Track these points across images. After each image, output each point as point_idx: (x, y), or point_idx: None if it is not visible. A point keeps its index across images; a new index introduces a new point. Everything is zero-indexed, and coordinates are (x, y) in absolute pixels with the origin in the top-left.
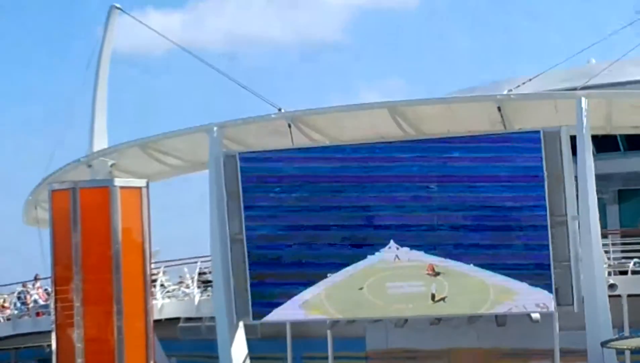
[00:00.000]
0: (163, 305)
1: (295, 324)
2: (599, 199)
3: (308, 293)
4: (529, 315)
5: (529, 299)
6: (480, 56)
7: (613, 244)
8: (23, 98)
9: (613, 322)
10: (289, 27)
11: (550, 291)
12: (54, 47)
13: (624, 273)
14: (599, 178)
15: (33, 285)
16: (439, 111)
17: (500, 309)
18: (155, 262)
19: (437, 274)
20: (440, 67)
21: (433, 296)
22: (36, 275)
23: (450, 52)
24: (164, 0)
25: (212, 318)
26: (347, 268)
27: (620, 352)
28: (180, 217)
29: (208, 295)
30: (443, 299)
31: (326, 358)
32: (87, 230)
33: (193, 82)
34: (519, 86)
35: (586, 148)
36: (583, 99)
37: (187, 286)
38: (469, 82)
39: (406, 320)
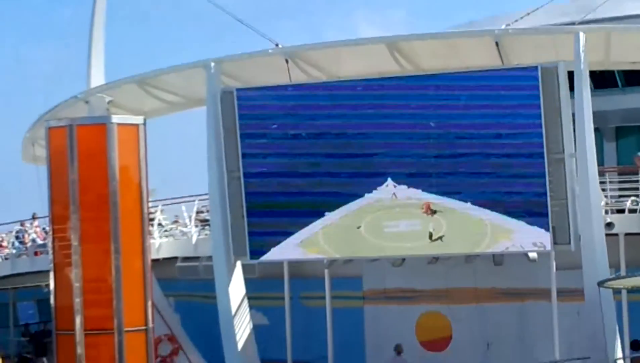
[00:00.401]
0: (161, 244)
1: (292, 264)
2: (596, 136)
3: (305, 232)
4: (526, 254)
5: (526, 238)
6: None
7: (610, 182)
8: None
9: (610, 261)
10: None
11: (547, 230)
12: None
13: (622, 211)
14: (597, 114)
15: (31, 223)
16: (437, 46)
17: (497, 248)
18: (153, 201)
19: (434, 212)
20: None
21: (430, 235)
22: (34, 213)
23: None
24: None
25: (210, 258)
26: (345, 207)
27: (617, 292)
28: (177, 155)
29: (206, 235)
30: (440, 238)
31: (323, 297)
32: (84, 168)
33: (190, 17)
34: (517, 20)
35: (584, 84)
36: (581, 34)
37: (185, 225)
38: (471, 14)
39: (403, 260)
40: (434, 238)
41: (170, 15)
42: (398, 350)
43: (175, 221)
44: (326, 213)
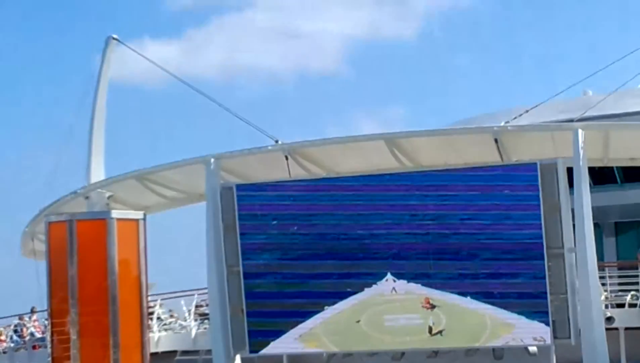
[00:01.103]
0: (160, 338)
1: (292, 357)
2: (595, 231)
3: (305, 326)
4: (526, 348)
5: (526, 332)
6: (480, 84)
7: (610, 276)
8: (17, 125)
9: (610, 355)
10: (286, 58)
11: (547, 324)
12: (50, 72)
13: (621, 305)
14: (596, 210)
15: (29, 317)
16: (436, 142)
17: (497, 342)
18: (152, 295)
19: (433, 307)
20: (441, 96)
21: (430, 329)
22: (33, 307)
23: (450, 81)
24: (161, 31)
25: (209, 352)
26: (344, 301)
27: None
28: (177, 249)
29: (205, 328)
30: (440, 332)
31: None
32: (83, 262)
33: (190, 113)
34: (515, 117)
35: (583, 180)
36: (580, 130)
37: (185, 319)
38: (470, 112)
39: (403, 353)
40: (433, 332)
41: (171, 112)
42: None
43: (171, 315)
44: (326, 307)
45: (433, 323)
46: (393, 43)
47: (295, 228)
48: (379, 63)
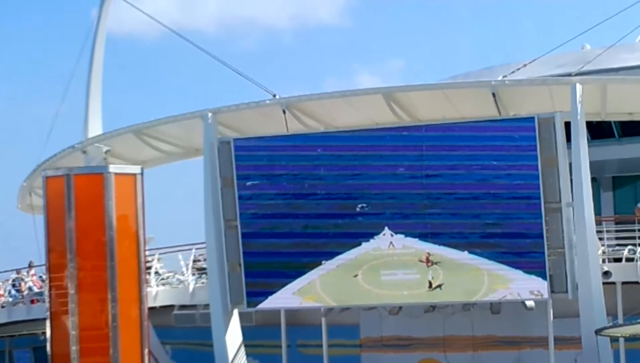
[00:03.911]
0: (157, 293)
1: (289, 311)
2: (593, 186)
3: (302, 281)
4: (523, 303)
5: (523, 286)
6: (480, 38)
7: (608, 231)
8: (15, 74)
9: (607, 309)
10: (284, 10)
11: (545, 279)
12: (47, 26)
13: (618, 260)
14: (594, 164)
15: (27, 272)
16: (434, 97)
17: (494, 297)
18: (150, 249)
19: (432, 263)
20: (441, 49)
21: (430, 284)
22: (30, 262)
23: (450, 35)
24: None
25: (207, 306)
26: (342, 256)
27: (614, 340)
28: (174, 204)
29: (202, 283)
30: (440, 286)
31: (320, 345)
32: (81, 217)
33: (187, 66)
34: (513, 72)
35: (580, 135)
36: (577, 85)
37: (182, 274)
38: (469, 66)
39: (400, 308)
40: (433, 286)
41: (168, 65)
42: None
43: (170, 272)
44: (323, 262)
45: (432, 278)
46: None
47: (293, 183)
48: (379, 15)
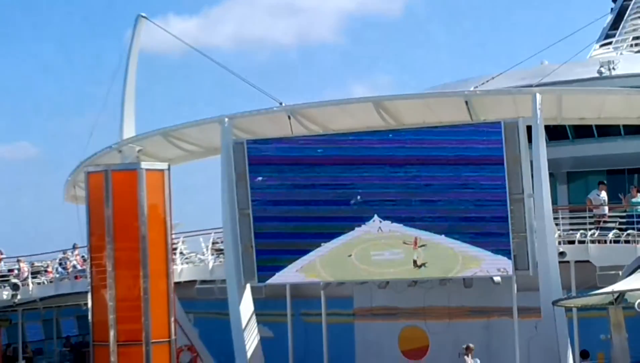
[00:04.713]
0: (182, 270)
1: (294, 286)
2: (550, 180)
3: (305, 260)
4: (491, 278)
5: (491, 265)
6: (455, 55)
7: (563, 218)
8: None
9: (562, 284)
10: (289, 30)
11: (510, 258)
12: (87, 51)
13: (572, 242)
14: (551, 162)
15: (72, 252)
16: (416, 104)
17: (467, 273)
18: (176, 233)
19: (419, 246)
20: (423, 64)
21: (415, 262)
22: (74, 244)
23: (430, 51)
24: (183, 8)
25: (224, 281)
26: (338, 238)
27: (568, 310)
28: (197, 195)
29: (220, 261)
30: (423, 264)
31: (320, 315)
32: (118, 206)
33: (207, 78)
34: (483, 83)
35: (540, 136)
36: (537, 94)
37: (203, 254)
38: (446, 78)
39: (387, 282)
40: (418, 264)
41: (191, 78)
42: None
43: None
44: (322, 244)
45: (417, 257)
46: (381, 19)
47: (296, 177)
48: (370, 35)
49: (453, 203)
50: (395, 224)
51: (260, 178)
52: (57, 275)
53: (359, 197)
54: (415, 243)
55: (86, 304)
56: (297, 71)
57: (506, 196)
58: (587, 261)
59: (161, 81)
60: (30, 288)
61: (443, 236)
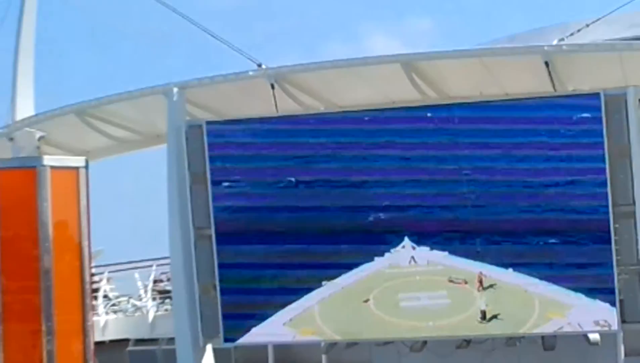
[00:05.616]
0: (107, 323)
1: (280, 348)
2: None
3: (296, 307)
4: (585, 336)
5: (585, 315)
6: None
7: None
8: None
9: None
10: None
11: (613, 305)
12: None
13: None
14: None
15: None
16: (469, 67)
17: (548, 328)
18: (97, 266)
19: (488, 287)
20: (477, 5)
21: (484, 314)
22: None
23: None
24: None
25: (172, 340)
26: (348, 274)
27: None
28: (129, 207)
29: (166, 310)
30: (495, 317)
31: None
32: (7, 224)
33: (146, 29)
34: (572, 34)
35: None
36: None
37: (140, 298)
38: (514, 27)
39: (425, 343)
40: (487, 316)
41: (121, 28)
42: None
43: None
44: (324, 282)
45: (486, 306)
46: None
47: (282, 179)
48: None
49: (524, 220)
50: (436, 251)
51: (227, 182)
52: None
53: (377, 209)
54: (481, 282)
55: None
56: (284, 17)
57: (608, 208)
58: None
59: (77, 33)
60: None
61: (510, 269)
